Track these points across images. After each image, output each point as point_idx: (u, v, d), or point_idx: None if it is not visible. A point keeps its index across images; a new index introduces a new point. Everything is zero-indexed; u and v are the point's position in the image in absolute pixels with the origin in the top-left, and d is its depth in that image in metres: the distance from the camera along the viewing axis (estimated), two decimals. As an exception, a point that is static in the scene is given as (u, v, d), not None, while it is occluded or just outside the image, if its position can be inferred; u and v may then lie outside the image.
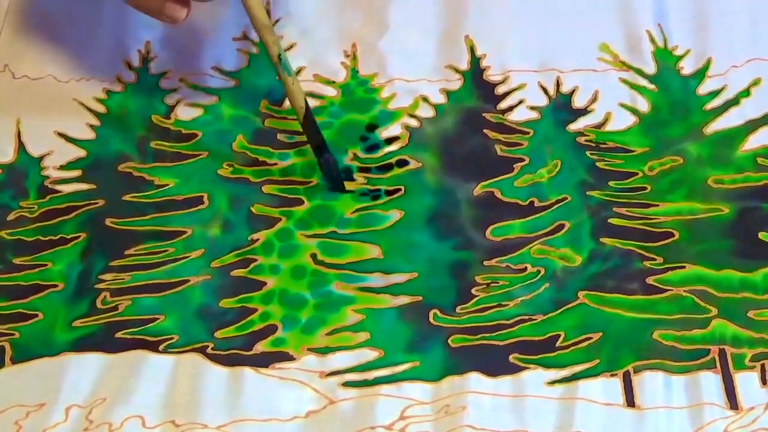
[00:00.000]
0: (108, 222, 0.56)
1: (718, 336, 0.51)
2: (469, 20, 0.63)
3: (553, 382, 0.50)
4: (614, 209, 0.55)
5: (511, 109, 0.60)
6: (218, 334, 0.52)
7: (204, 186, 0.57)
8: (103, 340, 0.52)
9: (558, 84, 0.60)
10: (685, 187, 0.56)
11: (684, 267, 0.53)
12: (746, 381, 0.50)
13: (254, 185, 0.57)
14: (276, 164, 0.58)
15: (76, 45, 0.62)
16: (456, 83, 0.61)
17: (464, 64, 0.61)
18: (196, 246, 0.55)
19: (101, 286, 0.54)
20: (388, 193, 0.57)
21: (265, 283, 0.54)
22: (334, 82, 0.61)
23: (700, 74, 0.60)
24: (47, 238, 0.55)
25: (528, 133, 0.59)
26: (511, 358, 0.51)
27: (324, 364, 0.51)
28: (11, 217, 0.56)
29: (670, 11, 0.62)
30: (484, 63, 0.61)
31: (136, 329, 0.52)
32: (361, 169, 0.58)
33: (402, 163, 0.58)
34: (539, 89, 0.60)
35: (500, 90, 0.60)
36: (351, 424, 0.49)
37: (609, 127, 0.59)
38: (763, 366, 0.50)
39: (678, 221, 0.55)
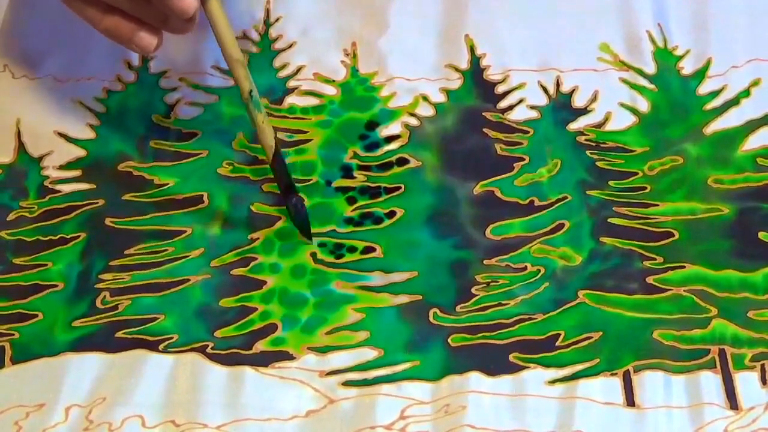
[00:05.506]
0: (108, 221, 0.56)
1: (718, 336, 0.51)
2: (469, 19, 0.63)
3: (553, 382, 0.50)
4: (614, 209, 0.55)
5: (511, 108, 0.60)
6: (218, 333, 0.52)
7: (204, 185, 0.57)
8: (103, 340, 0.52)
9: (558, 83, 0.60)
10: (685, 187, 0.56)
11: (684, 267, 0.53)
12: (746, 381, 0.50)
13: (254, 184, 0.57)
14: (276, 162, 0.58)
15: (76, 45, 0.62)
16: (456, 82, 0.61)
17: (464, 63, 0.61)
18: (195, 245, 0.55)
19: (101, 285, 0.54)
20: (388, 191, 0.57)
21: (265, 282, 0.54)
22: (334, 80, 0.61)
23: (700, 74, 0.60)
24: (47, 238, 0.55)
25: (528, 132, 0.59)
26: (511, 357, 0.51)
27: (324, 364, 0.51)
28: (11, 217, 0.56)
29: (670, 11, 0.62)
30: (483, 62, 0.61)
31: (135, 329, 0.52)
32: (361, 167, 0.58)
33: (402, 161, 0.58)
34: (539, 88, 0.60)
35: (500, 89, 0.60)
36: (351, 423, 0.49)
37: (609, 127, 0.59)
38: (763, 366, 0.50)
39: (678, 221, 0.55)
